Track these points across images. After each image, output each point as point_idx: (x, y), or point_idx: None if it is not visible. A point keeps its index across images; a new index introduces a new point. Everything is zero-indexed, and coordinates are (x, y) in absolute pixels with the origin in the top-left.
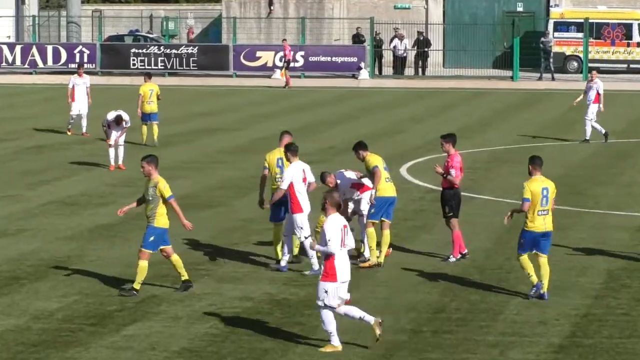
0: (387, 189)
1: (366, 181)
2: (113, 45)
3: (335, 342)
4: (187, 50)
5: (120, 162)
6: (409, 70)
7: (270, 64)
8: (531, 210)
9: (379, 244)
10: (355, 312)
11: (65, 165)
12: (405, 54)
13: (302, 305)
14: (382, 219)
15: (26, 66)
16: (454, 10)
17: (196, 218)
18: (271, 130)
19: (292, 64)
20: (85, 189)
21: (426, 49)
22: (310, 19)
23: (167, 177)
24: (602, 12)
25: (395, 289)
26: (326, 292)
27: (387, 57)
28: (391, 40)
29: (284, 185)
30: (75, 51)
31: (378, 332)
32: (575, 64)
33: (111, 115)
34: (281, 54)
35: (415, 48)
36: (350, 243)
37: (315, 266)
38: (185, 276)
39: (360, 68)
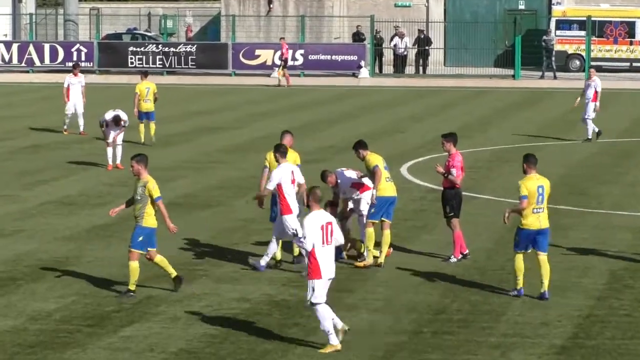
0: (388, 188)
1: (366, 181)
2: (111, 43)
3: (334, 341)
4: (185, 48)
5: (118, 161)
6: (410, 69)
7: (269, 63)
8: (527, 208)
9: (378, 244)
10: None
11: (62, 164)
12: (405, 53)
13: (301, 306)
14: (383, 219)
15: (23, 64)
16: (455, 8)
17: (195, 218)
18: (271, 129)
19: (292, 63)
20: (82, 188)
21: (427, 48)
22: (310, 17)
23: (166, 177)
24: (604, 10)
25: (396, 290)
26: (313, 289)
27: (388, 55)
28: (391, 39)
29: (270, 186)
30: (73, 49)
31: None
32: (578, 62)
33: (109, 115)
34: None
35: (416, 46)
36: (339, 239)
37: None
38: (174, 273)
39: (360, 66)
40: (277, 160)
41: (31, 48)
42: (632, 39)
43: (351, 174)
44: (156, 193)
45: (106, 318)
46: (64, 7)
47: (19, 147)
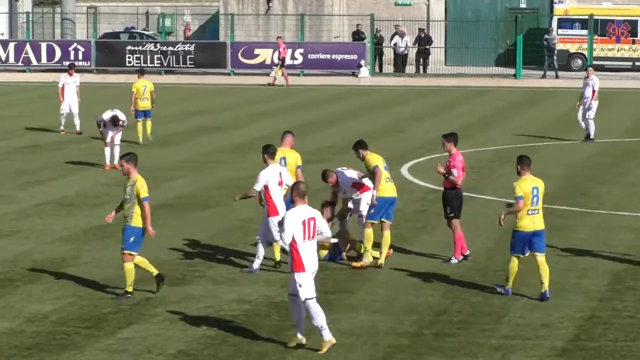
0: (388, 189)
1: (367, 181)
2: (108, 42)
3: (328, 336)
4: (183, 47)
5: (116, 161)
6: (410, 68)
7: (268, 62)
8: (522, 210)
9: (378, 245)
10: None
11: (59, 165)
12: (406, 52)
13: None
14: (383, 219)
15: (20, 64)
16: (456, 6)
17: (194, 218)
18: (270, 129)
19: (291, 62)
20: (80, 189)
21: (427, 47)
22: (310, 15)
23: (165, 177)
24: (607, 8)
25: (396, 291)
26: (300, 285)
27: (388, 54)
28: (392, 38)
29: (258, 187)
30: (70, 48)
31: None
32: (580, 61)
33: (107, 115)
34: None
35: (417, 45)
36: (325, 233)
37: None
38: (155, 271)
39: (360, 66)
40: (265, 161)
41: (28, 47)
42: (635, 38)
43: (352, 173)
44: (143, 193)
45: (103, 320)
46: (61, 6)
47: (15, 147)
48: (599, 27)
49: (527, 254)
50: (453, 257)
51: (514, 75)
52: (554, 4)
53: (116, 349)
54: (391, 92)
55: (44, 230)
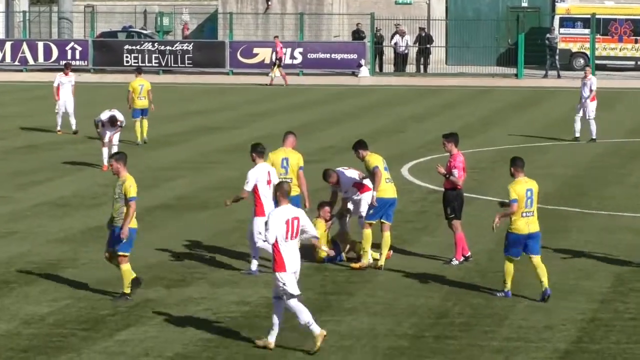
0: (387, 190)
1: (367, 182)
2: (106, 41)
3: (317, 330)
4: (182, 46)
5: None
6: (411, 68)
7: (267, 61)
8: (516, 212)
9: (378, 246)
10: (305, 315)
11: (56, 165)
12: (406, 51)
13: None
14: (383, 220)
15: (16, 63)
16: (456, 5)
17: (193, 219)
18: (269, 129)
19: (291, 61)
20: (77, 189)
21: (428, 46)
22: (309, 14)
23: (164, 178)
24: (609, 7)
25: (396, 293)
26: (284, 284)
27: (388, 54)
28: (392, 37)
29: (248, 187)
30: (67, 48)
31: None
32: (582, 61)
33: (105, 115)
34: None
35: (417, 45)
36: (310, 232)
37: None
38: (133, 274)
39: (360, 65)
40: (253, 160)
41: (24, 46)
42: (638, 37)
43: (353, 173)
44: (130, 193)
45: (101, 322)
46: (58, 5)
47: (12, 147)
48: (602, 26)
49: (519, 257)
50: (454, 259)
51: (516, 75)
52: (556, 3)
53: (114, 352)
54: (391, 91)
55: (41, 231)
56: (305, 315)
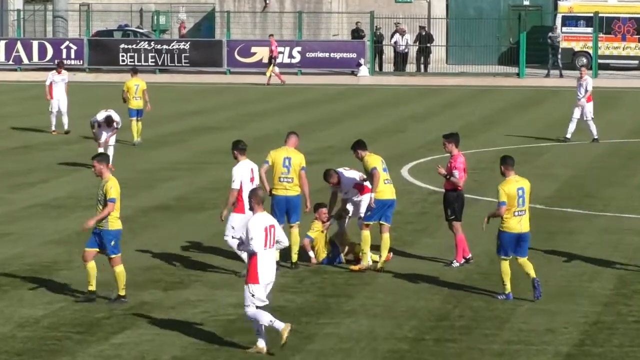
0: (386, 191)
1: (368, 183)
2: (101, 40)
3: (281, 325)
4: (178, 45)
5: (110, 163)
6: (411, 67)
7: (265, 60)
8: (508, 211)
9: (377, 248)
10: (265, 316)
11: (51, 166)
12: (406, 50)
13: (298, 313)
14: (382, 222)
15: (10, 62)
16: (457, 4)
17: (190, 221)
18: (267, 130)
19: (289, 61)
20: (72, 190)
21: (428, 45)
22: (308, 13)
23: (160, 179)
24: (612, 5)
25: (396, 295)
26: (253, 295)
27: (388, 53)
28: (392, 36)
29: (236, 185)
30: (62, 47)
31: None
32: (585, 60)
33: (101, 116)
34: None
35: (417, 44)
36: (283, 241)
37: None
38: (94, 287)
39: (359, 64)
40: (235, 158)
41: (19, 45)
42: None
43: (353, 174)
44: (111, 194)
45: (96, 325)
46: (53, 3)
47: (6, 147)
48: (604, 25)
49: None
50: (454, 261)
51: (517, 74)
52: (558, 1)
53: (109, 355)
54: (391, 91)
55: (35, 232)
56: (265, 317)
